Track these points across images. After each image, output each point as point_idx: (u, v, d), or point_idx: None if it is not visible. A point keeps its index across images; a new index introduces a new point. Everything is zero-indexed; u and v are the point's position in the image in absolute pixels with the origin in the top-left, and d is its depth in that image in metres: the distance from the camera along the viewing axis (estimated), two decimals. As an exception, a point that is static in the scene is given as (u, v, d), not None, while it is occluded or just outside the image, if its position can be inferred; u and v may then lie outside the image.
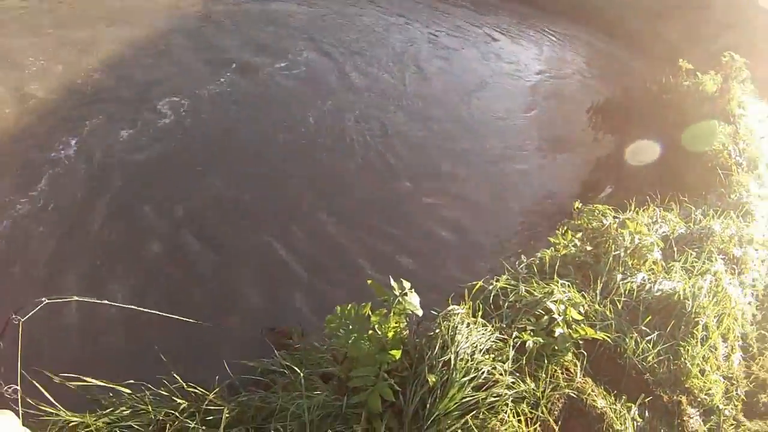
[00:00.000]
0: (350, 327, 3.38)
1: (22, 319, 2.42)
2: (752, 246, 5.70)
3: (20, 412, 2.41)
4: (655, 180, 6.71)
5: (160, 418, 3.31)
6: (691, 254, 5.01)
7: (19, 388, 2.27)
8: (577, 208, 5.25)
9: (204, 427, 3.24)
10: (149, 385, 3.44)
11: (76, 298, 3.04)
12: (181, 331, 4.57)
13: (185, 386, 3.41)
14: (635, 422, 3.92)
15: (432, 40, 12.76)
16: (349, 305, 3.50)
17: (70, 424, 3.08)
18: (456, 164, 8.69)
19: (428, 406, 3.26)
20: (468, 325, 3.76)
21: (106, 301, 3.36)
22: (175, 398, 3.38)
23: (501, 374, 3.58)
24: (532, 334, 3.85)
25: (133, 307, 3.59)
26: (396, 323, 3.51)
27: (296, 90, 9.60)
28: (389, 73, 10.82)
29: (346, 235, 6.77)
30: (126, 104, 8.32)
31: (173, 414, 3.32)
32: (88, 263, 5.85)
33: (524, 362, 3.73)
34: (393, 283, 3.48)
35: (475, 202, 8.01)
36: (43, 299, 2.57)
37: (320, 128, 8.69)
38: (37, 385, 2.94)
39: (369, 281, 3.56)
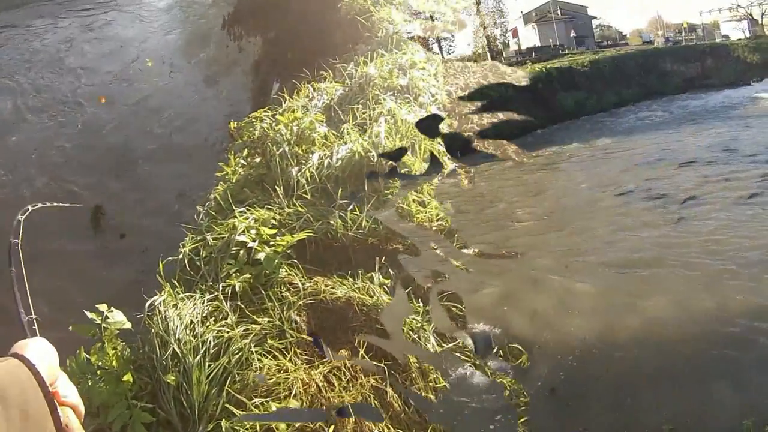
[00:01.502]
0: (82, 378, 3.12)
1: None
2: (416, 68, 5.89)
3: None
4: (309, 56, 6.51)
5: None
6: (358, 108, 4.99)
7: (35, 317, 1.65)
8: (233, 127, 4.93)
9: None
10: None
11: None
12: None
13: None
14: (384, 286, 4.00)
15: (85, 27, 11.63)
16: (67, 359, 3.19)
17: None
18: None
19: (185, 402, 3.08)
20: (175, 306, 3.48)
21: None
22: None
23: (228, 330, 3.37)
24: (237, 275, 3.61)
25: None
26: (113, 348, 3.28)
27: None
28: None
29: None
30: None
31: None
32: None
33: (244, 305, 3.52)
34: (90, 315, 3.26)
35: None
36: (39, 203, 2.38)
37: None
38: None
39: (71, 327, 3.28)
